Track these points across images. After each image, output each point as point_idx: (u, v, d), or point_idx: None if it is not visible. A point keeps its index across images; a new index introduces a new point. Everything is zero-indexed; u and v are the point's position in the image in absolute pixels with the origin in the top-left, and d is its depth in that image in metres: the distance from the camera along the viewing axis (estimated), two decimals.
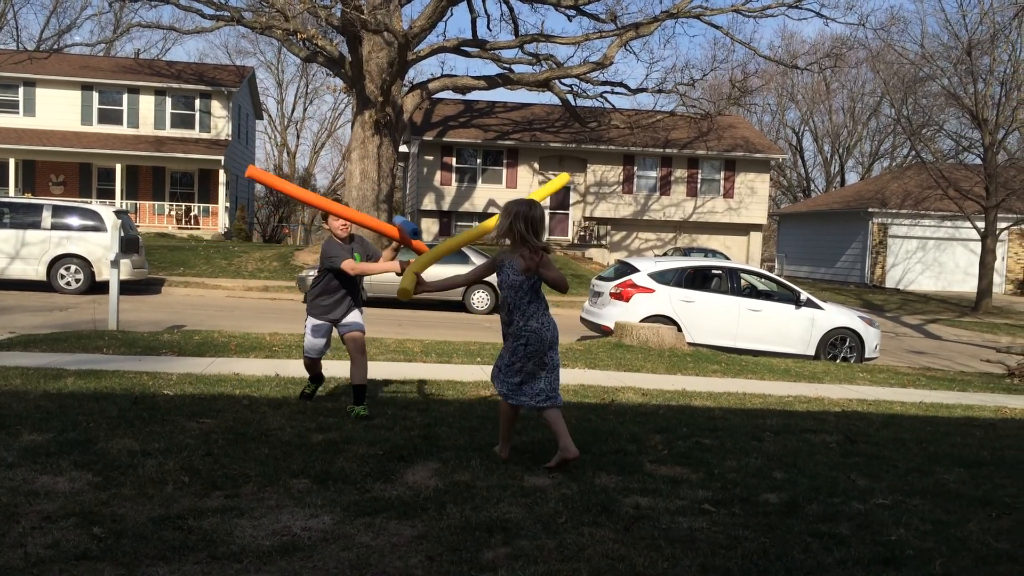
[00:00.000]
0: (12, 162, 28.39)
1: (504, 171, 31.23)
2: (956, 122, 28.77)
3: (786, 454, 5.77)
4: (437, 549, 3.61)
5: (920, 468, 5.62)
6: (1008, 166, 26.82)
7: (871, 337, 13.00)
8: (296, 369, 8.03)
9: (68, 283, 16.50)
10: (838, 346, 12.85)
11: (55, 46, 40.11)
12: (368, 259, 6.42)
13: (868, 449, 6.10)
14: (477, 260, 18.59)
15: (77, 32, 73.39)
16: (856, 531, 4.17)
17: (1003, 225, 26.55)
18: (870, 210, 32.16)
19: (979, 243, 26.47)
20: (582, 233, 31.77)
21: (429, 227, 30.96)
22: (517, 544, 3.71)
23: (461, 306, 18.46)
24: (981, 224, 25.65)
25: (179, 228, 30.05)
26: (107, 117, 30.26)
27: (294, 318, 14.06)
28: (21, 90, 29.68)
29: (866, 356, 12.90)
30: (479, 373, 8.69)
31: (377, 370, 8.40)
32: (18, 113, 29.70)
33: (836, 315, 13.04)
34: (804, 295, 13.04)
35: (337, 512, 4.01)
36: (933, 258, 33.05)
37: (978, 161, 27.06)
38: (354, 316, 6.39)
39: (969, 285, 30.42)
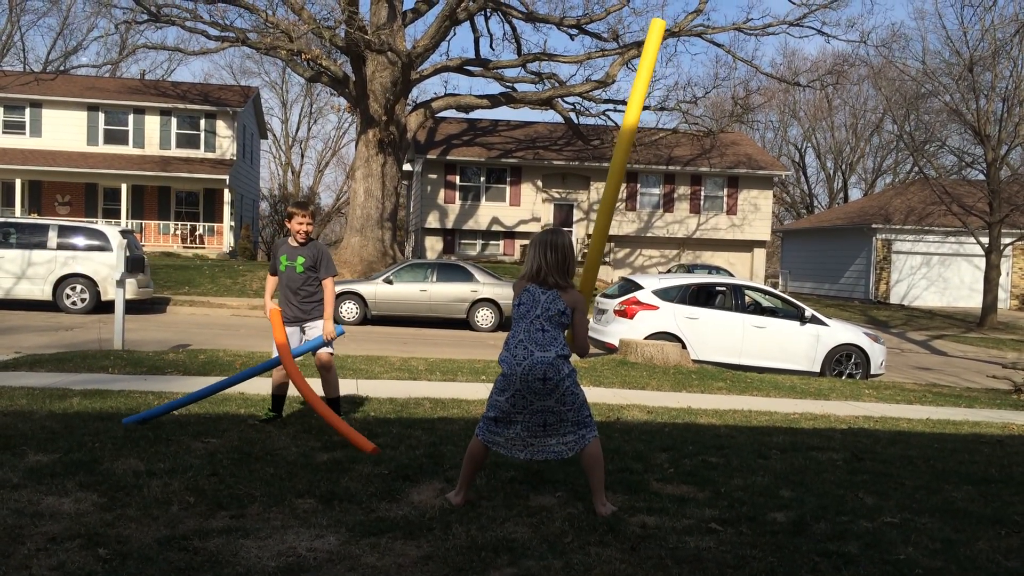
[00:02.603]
0: (19, 183, 28.54)
1: (508, 189, 31.31)
2: (959, 138, 28.84)
3: (793, 472, 5.74)
4: (443, 570, 3.60)
5: (928, 486, 5.59)
6: (1011, 181, 26.83)
7: (876, 353, 12.96)
8: None
9: (74, 302, 16.54)
10: (843, 363, 12.81)
11: (61, 67, 40.43)
12: (314, 265, 6.19)
13: (875, 467, 6.07)
14: (480, 277, 18.60)
15: (83, 54, 73.86)
16: (865, 550, 4.14)
17: (1007, 240, 26.54)
18: (874, 226, 32.15)
19: (983, 259, 26.44)
20: (585, 251, 31.78)
21: (433, 245, 31.03)
22: (523, 564, 3.69)
23: (466, 324, 18.44)
24: (985, 240, 25.64)
25: (184, 247, 30.14)
26: (113, 137, 30.43)
27: None
28: (28, 111, 29.88)
29: (872, 372, 12.85)
30: (484, 391, 8.67)
31: (382, 388, 8.39)
32: (25, 134, 29.90)
33: (841, 331, 13.00)
34: (809, 311, 13.01)
35: (343, 532, 4.00)
36: (938, 274, 32.98)
37: (981, 177, 27.06)
38: (314, 330, 6.24)
39: (974, 301, 30.35)
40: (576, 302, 4.47)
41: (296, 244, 6.25)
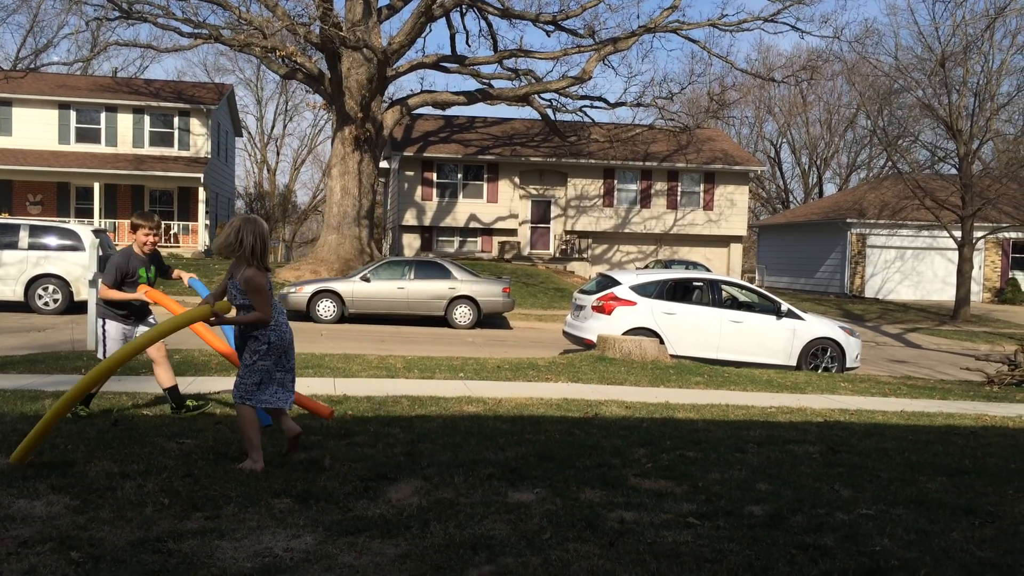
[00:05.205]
0: None
1: (485, 186, 31.27)
2: (931, 133, 29.14)
3: (770, 466, 5.78)
4: (421, 568, 3.58)
5: (903, 477, 5.64)
6: (983, 176, 27.14)
7: (852, 347, 13.07)
8: None
9: (46, 303, 16.32)
10: (819, 356, 12.91)
11: (32, 65, 39.90)
12: (162, 273, 6.82)
13: (851, 459, 6.12)
14: (458, 274, 18.58)
15: (54, 51, 72.94)
16: (841, 542, 4.17)
17: (979, 234, 26.84)
18: (848, 221, 32.43)
19: (956, 252, 26.76)
20: (563, 247, 31.83)
21: (411, 242, 30.93)
22: (502, 561, 3.68)
23: (444, 321, 18.40)
24: (958, 233, 25.94)
25: (159, 246, 29.79)
26: (85, 136, 30.03)
27: None
28: None
29: (847, 366, 12.96)
30: (462, 388, 8.66)
31: (359, 387, 8.35)
32: None
33: (817, 325, 13.10)
34: (785, 306, 13.10)
35: (319, 532, 3.97)
36: (912, 267, 33.34)
37: (954, 171, 27.37)
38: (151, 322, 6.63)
39: (947, 294, 30.70)
40: None
41: (143, 255, 6.49)
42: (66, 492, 4.39)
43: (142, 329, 6.57)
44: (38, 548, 3.61)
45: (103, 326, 6.48)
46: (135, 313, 6.59)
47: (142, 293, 6.36)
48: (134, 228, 6.44)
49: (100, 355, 6.49)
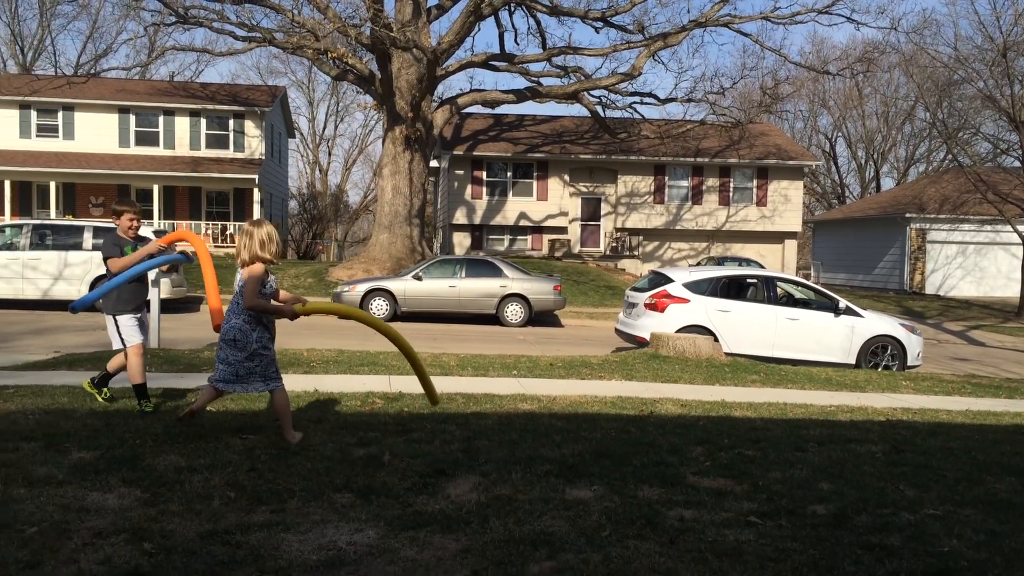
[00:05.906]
0: (53, 185, 29.00)
1: (535, 184, 31.27)
2: (993, 125, 28.35)
3: (831, 465, 5.69)
4: (482, 563, 3.61)
5: (970, 477, 5.51)
6: None
7: (913, 344, 12.78)
8: (334, 384, 8.08)
9: None
10: (879, 354, 12.64)
11: (92, 71, 41.01)
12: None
13: (915, 459, 5.99)
14: (509, 272, 18.61)
15: (113, 56, 75.00)
16: (907, 542, 4.09)
17: None
18: (907, 215, 31.70)
19: (1020, 247, 25.98)
20: (614, 244, 31.68)
21: (461, 241, 31.07)
22: (562, 558, 3.69)
23: (495, 319, 18.46)
24: (1022, 228, 25.18)
25: (215, 247, 30.43)
26: (144, 139, 30.80)
27: (331, 333, 14.16)
28: (60, 114, 30.32)
29: (908, 364, 12.67)
30: (516, 386, 8.69)
31: (414, 384, 8.41)
32: (58, 137, 30.33)
33: (876, 322, 12.83)
34: (843, 303, 12.86)
35: (381, 526, 4.03)
36: (974, 263, 32.46)
37: (1017, 164, 26.58)
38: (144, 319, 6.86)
39: (1011, 290, 29.83)
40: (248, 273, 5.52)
41: (128, 239, 6.65)
42: (136, 485, 4.52)
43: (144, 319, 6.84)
44: (112, 539, 3.72)
45: (115, 322, 6.66)
46: (140, 303, 6.80)
47: (154, 242, 6.69)
48: (118, 214, 6.69)
49: (116, 347, 6.65)
